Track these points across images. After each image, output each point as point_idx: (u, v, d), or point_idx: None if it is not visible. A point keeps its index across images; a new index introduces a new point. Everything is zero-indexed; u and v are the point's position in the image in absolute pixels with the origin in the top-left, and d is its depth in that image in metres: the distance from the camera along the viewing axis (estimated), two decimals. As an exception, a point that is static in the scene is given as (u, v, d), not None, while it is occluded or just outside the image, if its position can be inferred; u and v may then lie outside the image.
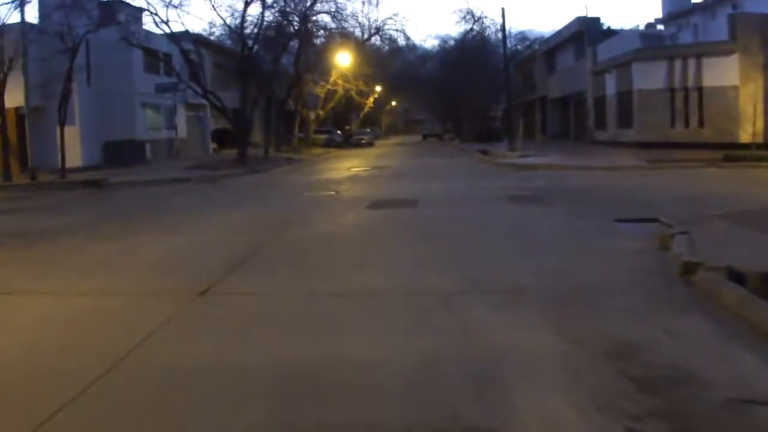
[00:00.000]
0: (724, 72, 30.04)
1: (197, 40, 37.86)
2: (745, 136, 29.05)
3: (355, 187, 20.06)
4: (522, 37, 64.89)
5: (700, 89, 30.87)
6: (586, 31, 43.97)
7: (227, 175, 27.34)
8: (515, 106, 63.17)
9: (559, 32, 51.80)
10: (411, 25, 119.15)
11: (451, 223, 11.96)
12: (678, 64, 31.35)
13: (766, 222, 9.82)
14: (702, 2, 37.74)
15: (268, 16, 39.33)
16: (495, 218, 12.56)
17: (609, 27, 45.11)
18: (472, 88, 55.37)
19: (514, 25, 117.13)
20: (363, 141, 62.91)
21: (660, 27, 42.75)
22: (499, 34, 56.04)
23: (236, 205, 16.82)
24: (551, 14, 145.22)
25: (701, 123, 30.93)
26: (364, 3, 75.04)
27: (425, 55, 71.12)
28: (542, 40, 58.66)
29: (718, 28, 32.04)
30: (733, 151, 25.18)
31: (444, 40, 70.51)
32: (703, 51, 30.98)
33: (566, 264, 8.13)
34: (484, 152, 36.43)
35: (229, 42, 41.91)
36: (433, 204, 14.94)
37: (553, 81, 53.98)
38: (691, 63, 30.97)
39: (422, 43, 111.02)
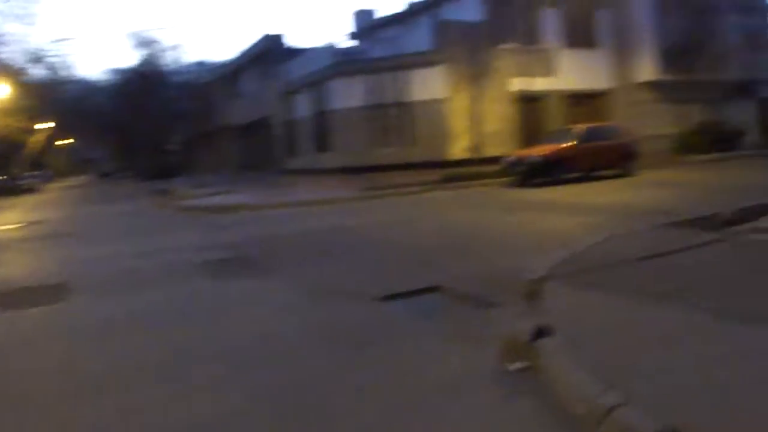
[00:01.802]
0: (430, 85, 27.36)
1: None
2: (457, 152, 26.57)
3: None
4: (200, 64, 59.93)
5: (405, 105, 27.89)
6: (273, 50, 39.75)
7: None
8: (196, 138, 58.23)
9: (243, 53, 46.96)
10: (78, 53, 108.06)
11: (110, 345, 6.24)
12: (380, 78, 28.10)
13: (632, 281, 6.20)
14: (396, 14, 35.15)
15: None
16: (184, 321, 6.85)
17: (297, 48, 41.07)
18: (146, 121, 49.38)
19: (192, 57, 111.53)
20: (24, 186, 52.81)
21: (353, 43, 39.65)
22: (177, 62, 51.16)
23: None
24: (232, 46, 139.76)
25: (409, 141, 27.95)
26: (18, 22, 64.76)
27: (98, 88, 63.16)
28: (224, 64, 53.83)
29: (417, 39, 29.36)
30: (452, 170, 22.48)
31: (118, 72, 63.22)
32: (407, 63, 27.98)
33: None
34: (164, 192, 30.48)
35: None
36: (91, 290, 9.00)
37: (237, 107, 49.09)
38: (395, 77, 27.89)
39: (93, 75, 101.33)
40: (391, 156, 27.57)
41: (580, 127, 22.55)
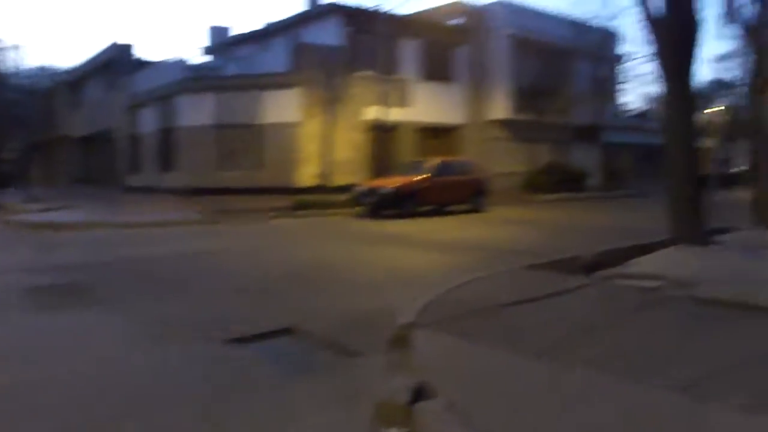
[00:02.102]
0: (284, 107, 26.26)
1: None
2: (306, 178, 25.70)
3: None
4: (42, 68, 56.42)
5: (257, 126, 26.62)
6: (120, 60, 37.53)
7: None
8: (35, 147, 54.69)
9: (89, 61, 44.13)
10: None
11: None
12: (231, 97, 26.79)
13: (507, 330, 5.69)
14: (252, 33, 33.90)
15: None
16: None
17: (145, 60, 38.95)
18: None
19: (34, 60, 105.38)
20: None
21: (207, 59, 38.00)
22: (17, 64, 47.81)
23: None
24: (78, 52, 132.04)
25: (258, 164, 26.68)
26: None
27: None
28: (68, 71, 50.73)
29: (273, 60, 28.40)
30: (301, 197, 21.65)
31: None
32: (261, 83, 26.77)
33: None
34: (-7, 205, 27.79)
35: None
36: None
37: (79, 117, 46.13)
38: (247, 97, 26.65)
39: None
40: (239, 179, 26.28)
41: (434, 161, 22.28)
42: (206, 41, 39.18)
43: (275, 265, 10.96)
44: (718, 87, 47.97)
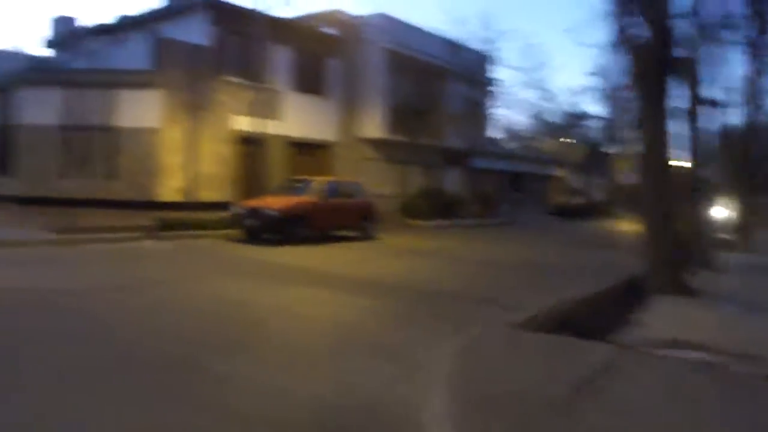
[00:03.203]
0: (144, 110, 22.80)
1: None
2: (167, 193, 22.51)
3: None
4: None
5: (111, 129, 23.02)
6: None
7: None
8: None
9: None
10: None
11: None
12: (81, 94, 22.95)
13: None
14: (105, 25, 29.61)
15: None
16: None
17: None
18: None
19: None
20: None
21: (50, 52, 33.33)
22: None
23: None
24: None
25: (111, 173, 23.03)
26: None
27: None
28: None
29: (130, 56, 24.89)
30: (165, 215, 18.66)
31: None
32: (119, 81, 23.20)
33: None
34: None
35: None
36: None
37: None
38: (101, 95, 22.90)
39: None
40: (87, 189, 22.56)
41: (321, 181, 19.87)
42: (50, 33, 34.61)
43: (170, 317, 7.93)
44: (573, 118, 48.60)
